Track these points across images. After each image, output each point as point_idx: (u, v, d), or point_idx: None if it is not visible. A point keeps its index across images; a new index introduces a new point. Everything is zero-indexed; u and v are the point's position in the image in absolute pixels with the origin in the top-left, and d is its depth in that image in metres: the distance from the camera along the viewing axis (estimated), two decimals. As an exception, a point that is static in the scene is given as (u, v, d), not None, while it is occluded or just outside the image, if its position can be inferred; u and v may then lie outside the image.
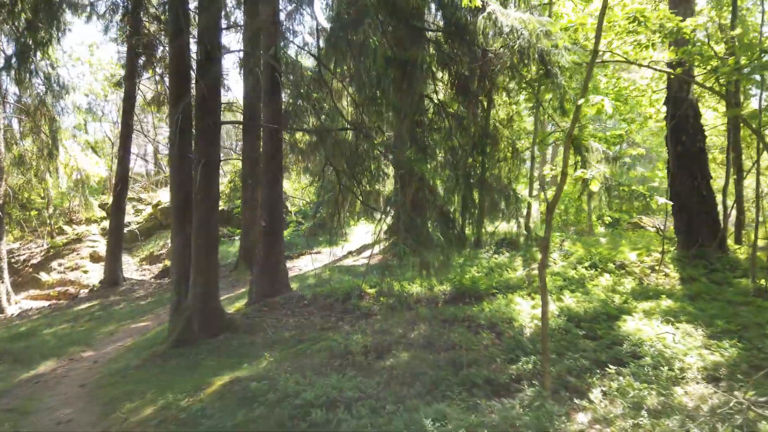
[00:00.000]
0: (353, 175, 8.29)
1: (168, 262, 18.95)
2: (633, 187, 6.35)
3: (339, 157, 9.52)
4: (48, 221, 20.71)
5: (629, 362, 5.57)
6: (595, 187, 4.85)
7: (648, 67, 8.36)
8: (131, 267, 19.54)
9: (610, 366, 5.47)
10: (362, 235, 22.10)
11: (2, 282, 15.48)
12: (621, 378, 5.19)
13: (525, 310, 7.71)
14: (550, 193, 18.60)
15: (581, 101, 4.54)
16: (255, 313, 9.42)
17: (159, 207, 22.11)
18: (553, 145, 20.31)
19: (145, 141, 26.81)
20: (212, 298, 8.62)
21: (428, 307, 8.59)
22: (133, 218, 22.15)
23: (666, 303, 7.40)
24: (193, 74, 9.01)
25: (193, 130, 8.69)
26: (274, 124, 9.87)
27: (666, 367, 5.33)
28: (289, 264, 17.24)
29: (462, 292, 8.96)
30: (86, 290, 17.18)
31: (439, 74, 7.75)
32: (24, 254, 19.60)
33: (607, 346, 6.07)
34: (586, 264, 9.68)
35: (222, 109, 9.58)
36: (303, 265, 16.97)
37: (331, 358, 6.70)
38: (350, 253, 18.97)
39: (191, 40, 8.60)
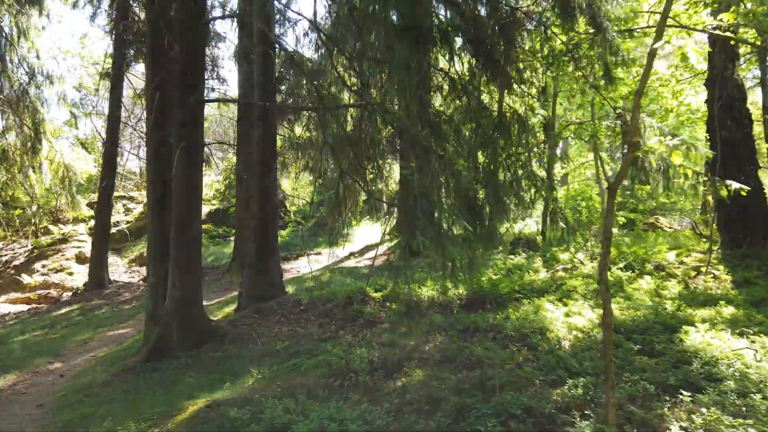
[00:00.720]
0: (357, 163, 7.12)
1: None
2: (697, 169, 5.21)
3: (342, 142, 8.46)
4: (32, 220, 19.59)
5: (706, 387, 4.39)
6: (678, 158, 3.71)
7: (709, 32, 7.14)
8: (120, 268, 18.40)
9: (683, 392, 4.30)
10: (365, 236, 21.02)
11: (-23, 284, 14.35)
12: (703, 409, 4.02)
13: (558, 318, 6.54)
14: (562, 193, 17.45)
15: (657, 44, 3.41)
16: (244, 320, 8.27)
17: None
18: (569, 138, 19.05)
19: (138, 138, 25.67)
20: (194, 303, 7.47)
21: (443, 314, 7.44)
22: (122, 217, 21.01)
23: (728, 310, 6.24)
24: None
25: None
26: (267, 102, 8.73)
27: (758, 395, 4.16)
28: (286, 266, 16.11)
29: (480, 297, 7.81)
30: (69, 293, 16.03)
31: (459, 41, 6.58)
32: (6, 255, 18.46)
33: (672, 365, 4.90)
34: (621, 265, 8.52)
35: (208, 91, 8.38)
36: (301, 267, 15.82)
37: (330, 377, 5.54)
38: (352, 254, 17.84)
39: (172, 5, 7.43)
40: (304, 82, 8.31)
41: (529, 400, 4.39)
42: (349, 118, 17.52)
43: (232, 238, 20.87)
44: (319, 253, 17.92)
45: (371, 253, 17.46)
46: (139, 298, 14.00)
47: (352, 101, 11.04)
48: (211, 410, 5.08)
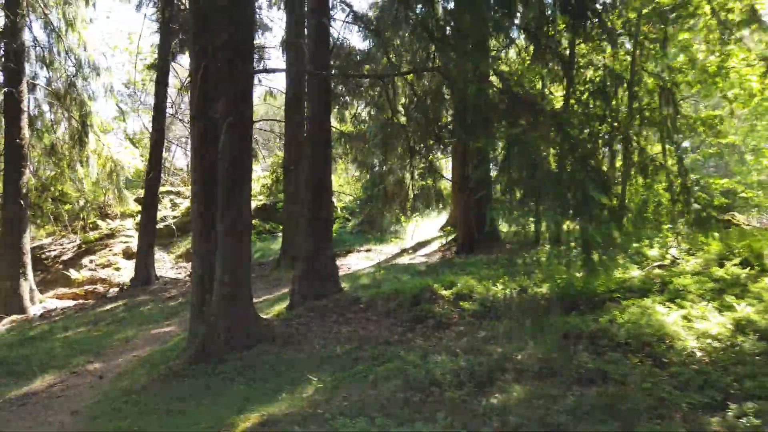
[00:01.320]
0: (423, 135, 6.12)
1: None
2: None
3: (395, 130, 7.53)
4: (80, 215, 19.45)
5: None
6: None
7: None
8: (166, 264, 18.01)
9: None
10: (416, 232, 20.01)
11: (25, 279, 14.08)
12: None
13: (676, 323, 5.36)
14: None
15: None
16: (298, 319, 7.40)
17: (197, 200, 20.65)
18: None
19: (184, 132, 25.45)
20: (243, 299, 6.64)
21: (528, 316, 6.35)
22: (169, 212, 20.68)
23: None
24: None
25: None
26: (322, 71, 7.81)
27: None
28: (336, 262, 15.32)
29: (571, 296, 6.68)
30: (116, 289, 15.67)
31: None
32: (55, 250, 18.35)
33: None
34: (735, 261, 7.22)
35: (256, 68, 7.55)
36: (352, 264, 14.95)
37: (407, 390, 4.56)
38: (404, 250, 16.87)
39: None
40: (371, 45, 7.36)
41: None
42: (400, 107, 16.57)
43: (280, 234, 20.25)
44: (369, 250, 17.03)
45: (425, 250, 16.46)
46: (185, 294, 13.41)
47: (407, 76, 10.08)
48: (267, 427, 4.19)
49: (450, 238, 16.49)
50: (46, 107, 18.92)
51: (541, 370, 4.62)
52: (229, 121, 6.33)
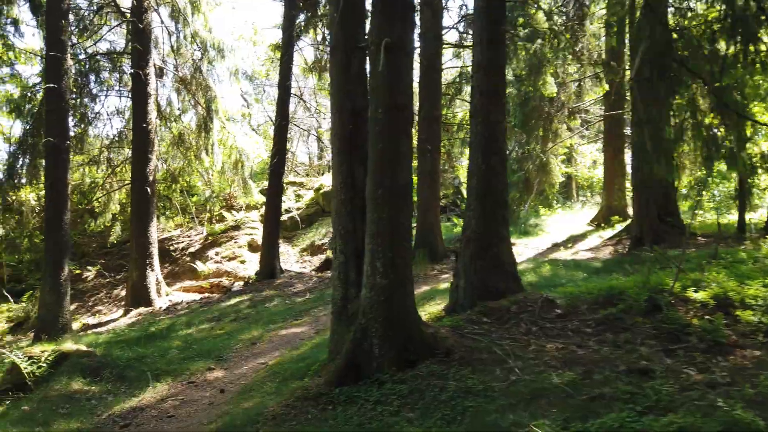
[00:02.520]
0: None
1: (330, 254, 15.93)
2: None
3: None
4: (207, 206, 19.07)
5: None
6: None
7: None
8: (291, 258, 16.91)
9: None
10: (560, 226, 17.29)
11: (152, 270, 13.47)
12: None
13: None
14: None
15: None
16: (471, 326, 5.32)
17: (321, 191, 19.38)
18: None
19: (307, 124, 24.63)
20: (403, 295, 4.71)
21: None
22: (293, 204, 19.70)
23: None
24: None
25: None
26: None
27: None
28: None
29: None
30: (241, 282, 14.73)
31: None
32: (182, 242, 18.01)
33: None
34: None
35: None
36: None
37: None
38: (556, 244, 14.30)
39: None
40: None
41: None
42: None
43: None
44: (514, 245, 14.60)
45: (583, 244, 13.77)
46: (313, 290, 11.99)
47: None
48: None
49: (615, 231, 13.73)
50: (173, 96, 18.75)
51: None
52: (386, 42, 4.42)
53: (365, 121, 5.07)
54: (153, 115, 13.92)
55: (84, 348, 6.77)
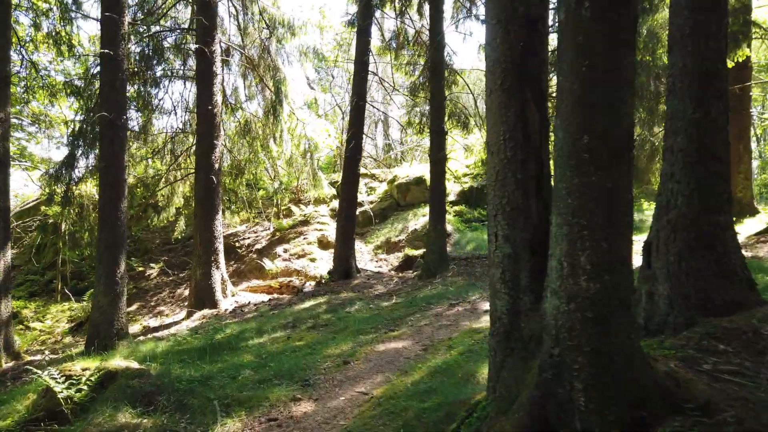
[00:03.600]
0: None
1: (411, 251, 14.19)
2: None
3: None
4: (274, 200, 17.78)
5: None
6: None
7: None
8: (364, 256, 15.31)
9: None
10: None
11: (217, 268, 12.15)
12: None
13: None
14: None
15: None
16: (710, 356, 3.40)
17: (395, 183, 17.69)
18: None
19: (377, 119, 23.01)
20: (624, 311, 2.84)
21: None
22: (365, 197, 18.12)
23: None
24: None
25: None
26: None
27: None
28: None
29: None
30: (312, 282, 13.23)
31: None
32: (249, 238, 16.77)
33: None
34: None
35: None
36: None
37: None
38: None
39: None
40: None
41: None
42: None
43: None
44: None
45: None
46: (397, 292, 10.28)
47: None
48: None
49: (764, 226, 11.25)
50: (240, 82, 17.59)
51: None
52: None
53: (542, 37, 3.29)
54: (219, 98, 12.63)
55: (135, 366, 5.29)
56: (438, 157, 11.25)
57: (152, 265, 16.00)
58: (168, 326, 11.31)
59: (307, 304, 10.31)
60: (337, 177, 20.22)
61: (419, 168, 18.99)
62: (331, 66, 21.70)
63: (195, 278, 11.80)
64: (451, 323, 6.86)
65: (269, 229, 17.00)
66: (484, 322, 6.65)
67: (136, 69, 12.71)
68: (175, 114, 15.24)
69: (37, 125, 16.94)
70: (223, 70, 13.61)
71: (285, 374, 5.50)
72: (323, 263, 14.64)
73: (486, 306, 7.55)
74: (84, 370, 5.15)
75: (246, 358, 6.35)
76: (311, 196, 17.86)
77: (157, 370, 5.59)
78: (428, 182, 17.58)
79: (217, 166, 12.32)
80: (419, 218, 15.95)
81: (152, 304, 13.99)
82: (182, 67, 14.89)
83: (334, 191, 17.29)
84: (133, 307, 13.93)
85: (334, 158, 22.31)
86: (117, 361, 5.34)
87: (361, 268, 13.55)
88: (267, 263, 14.73)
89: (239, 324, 9.27)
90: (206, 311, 11.41)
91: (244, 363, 6.08)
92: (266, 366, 5.86)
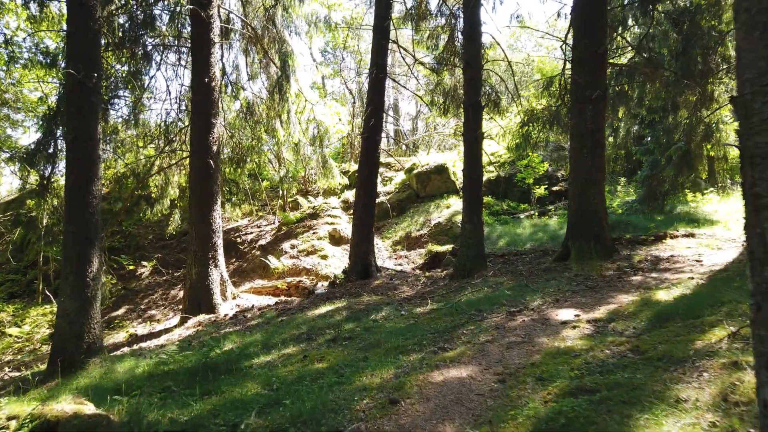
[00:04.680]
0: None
1: (436, 247, 12.49)
2: None
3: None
4: (280, 191, 16.09)
5: None
6: None
7: None
8: (382, 253, 13.62)
9: None
10: (727, 216, 13.21)
11: (216, 267, 10.46)
12: None
13: None
14: None
15: None
16: None
17: (414, 172, 15.98)
18: None
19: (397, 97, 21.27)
20: None
21: None
22: (380, 188, 16.41)
23: None
24: None
25: None
26: None
27: None
28: (642, 251, 9.45)
29: None
30: (325, 282, 11.56)
31: None
32: (252, 233, 15.09)
33: None
34: None
35: None
36: (690, 254, 8.86)
37: None
38: None
39: None
40: None
41: None
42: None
43: (522, 216, 14.78)
44: (692, 235, 10.68)
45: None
46: (430, 295, 8.57)
47: None
48: None
49: None
50: (241, 60, 15.86)
51: None
52: None
53: None
54: (217, 70, 10.94)
55: (89, 411, 3.59)
56: (475, 136, 9.53)
57: (144, 263, 14.33)
58: (158, 334, 9.64)
59: (322, 309, 8.62)
60: (347, 167, 18.51)
61: (439, 156, 17.28)
62: (340, 47, 19.94)
63: (190, 278, 10.12)
64: (523, 340, 5.16)
65: (274, 223, 15.32)
66: (569, 340, 4.95)
67: (121, 36, 11.01)
68: (169, 95, 13.56)
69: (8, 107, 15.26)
70: (222, 40, 11.93)
71: (307, 420, 3.79)
72: (336, 261, 12.96)
73: (561, 316, 5.83)
74: (10, 419, 3.47)
75: (250, 389, 4.66)
76: (320, 187, 16.17)
77: (124, 413, 3.89)
78: (450, 171, 15.90)
79: (215, 148, 10.63)
80: (443, 210, 14.26)
81: (142, 307, 12.32)
82: (176, 41, 13.19)
83: (346, 180, 15.60)
84: (121, 311, 12.26)
85: (342, 147, 20.58)
86: (62, 405, 3.65)
87: (381, 266, 11.87)
88: (272, 261, 13.04)
89: (241, 334, 7.59)
90: (202, 316, 9.74)
91: (247, 398, 4.38)
92: (279, 404, 4.16)
